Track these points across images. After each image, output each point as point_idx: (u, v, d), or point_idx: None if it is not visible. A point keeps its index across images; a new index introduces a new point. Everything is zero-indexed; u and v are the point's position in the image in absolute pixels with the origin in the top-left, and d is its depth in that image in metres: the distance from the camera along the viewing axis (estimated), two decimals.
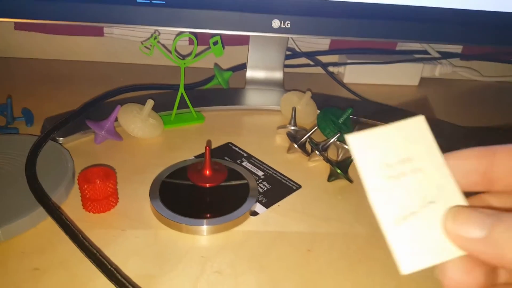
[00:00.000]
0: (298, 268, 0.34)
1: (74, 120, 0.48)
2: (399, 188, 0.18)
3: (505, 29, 0.51)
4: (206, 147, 0.38)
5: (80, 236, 0.32)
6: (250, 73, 0.62)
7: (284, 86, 0.63)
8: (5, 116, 0.50)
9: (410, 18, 0.50)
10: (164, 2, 0.47)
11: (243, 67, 0.66)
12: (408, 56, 0.71)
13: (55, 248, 0.34)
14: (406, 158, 0.18)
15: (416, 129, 0.19)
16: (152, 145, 0.48)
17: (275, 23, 0.49)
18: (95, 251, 0.31)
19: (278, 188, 0.42)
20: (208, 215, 0.36)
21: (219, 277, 0.32)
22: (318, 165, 0.47)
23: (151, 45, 0.47)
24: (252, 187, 0.40)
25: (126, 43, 0.70)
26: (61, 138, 0.47)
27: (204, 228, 0.36)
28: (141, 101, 0.50)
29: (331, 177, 0.44)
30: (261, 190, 0.42)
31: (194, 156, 0.46)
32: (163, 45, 0.69)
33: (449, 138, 0.51)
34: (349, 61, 0.70)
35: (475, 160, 0.19)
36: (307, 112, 0.54)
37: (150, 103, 0.48)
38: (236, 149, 0.48)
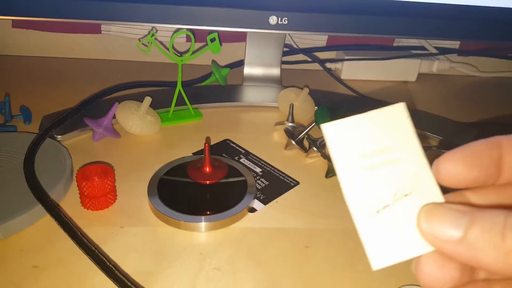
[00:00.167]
0: (296, 264, 0.34)
1: (72, 118, 0.48)
2: (374, 179, 0.18)
3: (502, 25, 0.51)
4: (205, 144, 0.38)
5: (79, 233, 0.32)
6: (247, 70, 0.62)
7: (281, 82, 0.63)
8: (3, 113, 0.50)
9: (407, 14, 0.50)
10: None
11: (240, 63, 0.66)
12: (405, 52, 0.71)
13: (53, 245, 0.34)
14: (383, 147, 0.18)
15: (395, 117, 0.18)
16: (150, 142, 0.48)
17: (273, 20, 0.49)
18: (93, 248, 0.31)
19: (276, 185, 0.42)
20: (206, 212, 0.37)
21: (218, 273, 0.32)
22: (316, 162, 0.47)
23: (148, 42, 0.47)
24: (250, 184, 0.40)
25: (123, 40, 0.70)
26: (59, 136, 0.47)
27: (202, 224, 0.36)
28: (139, 98, 0.50)
29: (329, 173, 0.44)
30: (259, 187, 0.42)
31: (192, 153, 0.46)
32: (160, 42, 0.69)
33: (447, 134, 0.51)
34: (346, 57, 0.69)
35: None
36: (304, 108, 0.54)
37: (147, 100, 0.48)
38: (234, 145, 0.48)
